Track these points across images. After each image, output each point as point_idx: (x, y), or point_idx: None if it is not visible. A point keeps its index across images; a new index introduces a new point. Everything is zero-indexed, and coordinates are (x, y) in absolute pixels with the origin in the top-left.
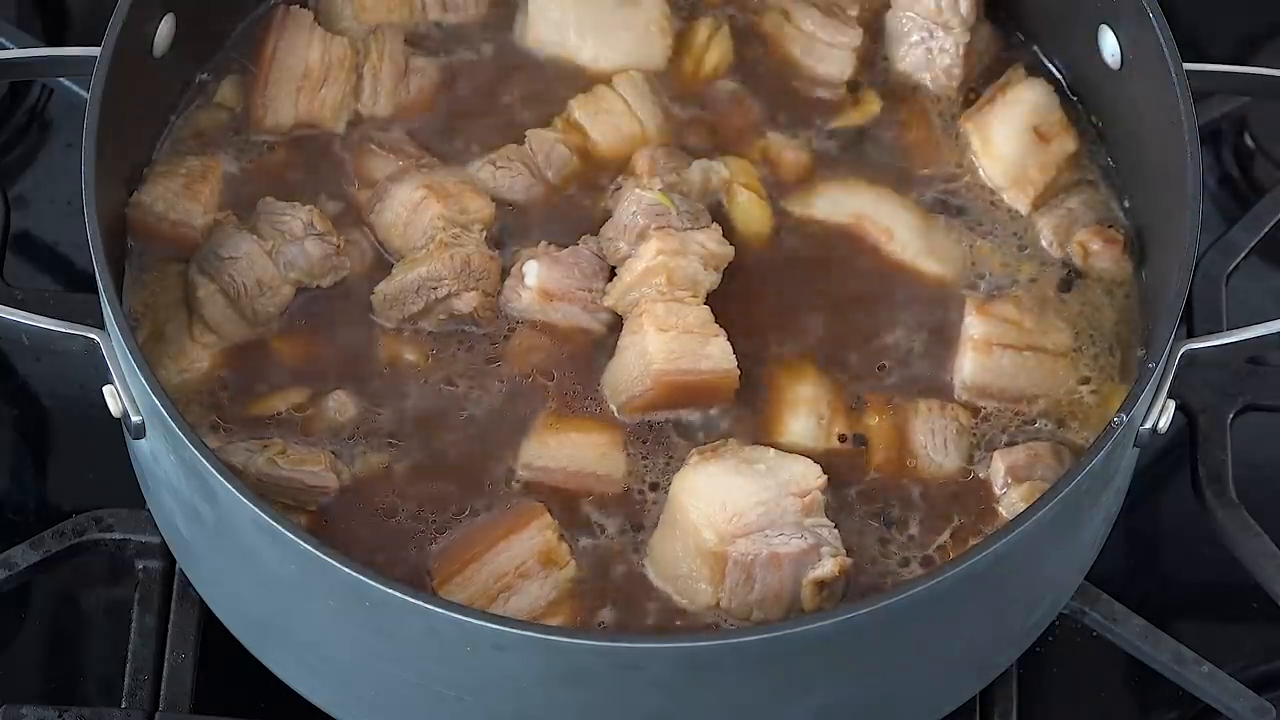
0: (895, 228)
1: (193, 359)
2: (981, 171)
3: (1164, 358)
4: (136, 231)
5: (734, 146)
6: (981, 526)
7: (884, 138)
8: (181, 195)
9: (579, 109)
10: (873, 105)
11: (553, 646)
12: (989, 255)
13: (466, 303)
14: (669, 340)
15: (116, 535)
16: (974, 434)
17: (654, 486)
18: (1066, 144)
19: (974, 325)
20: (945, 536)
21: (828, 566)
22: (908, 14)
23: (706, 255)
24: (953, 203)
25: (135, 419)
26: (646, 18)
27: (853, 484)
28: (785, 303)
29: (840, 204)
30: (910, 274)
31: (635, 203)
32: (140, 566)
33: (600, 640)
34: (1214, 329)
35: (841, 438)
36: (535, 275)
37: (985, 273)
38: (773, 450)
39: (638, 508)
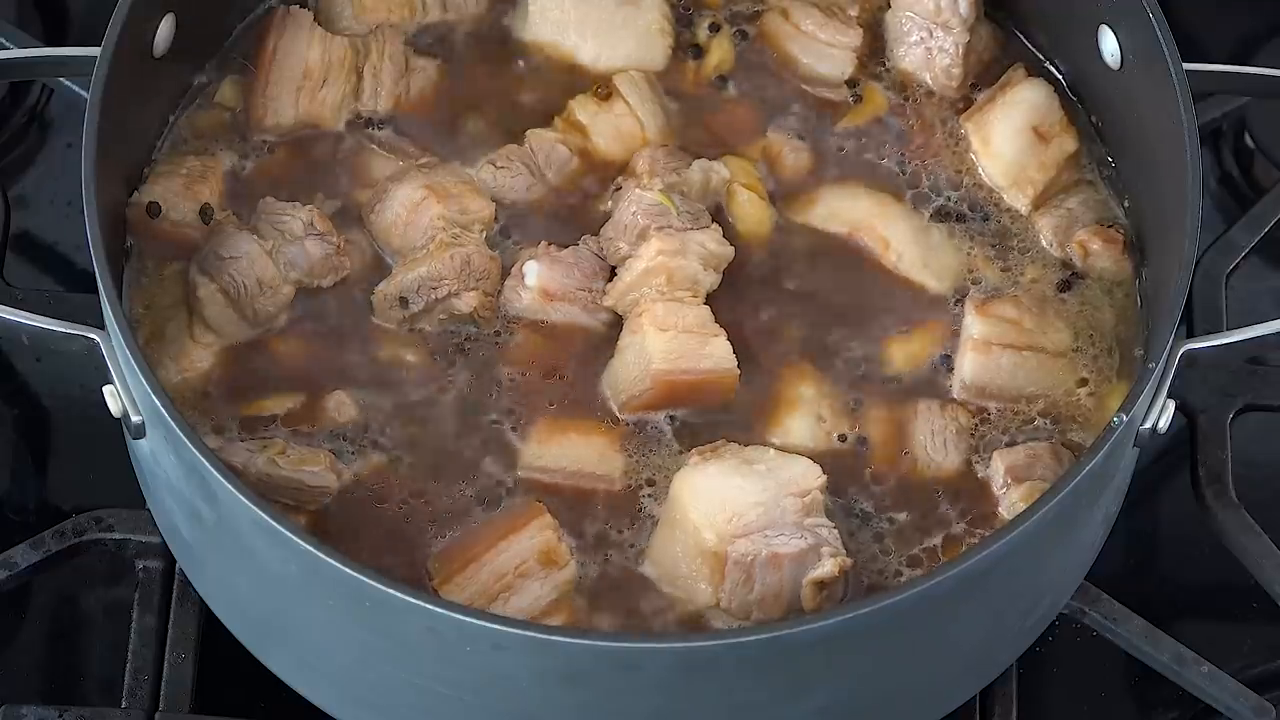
0: (892, 238)
1: (193, 359)
2: (981, 171)
3: (1164, 358)
4: (136, 231)
5: (734, 146)
6: (981, 527)
7: (883, 138)
8: (181, 195)
9: (579, 109)
10: (876, 104)
11: (553, 646)
12: (988, 256)
13: (466, 303)
14: (669, 340)
15: (116, 535)
16: (973, 434)
17: (653, 486)
18: (1066, 144)
19: (974, 325)
20: (944, 537)
21: (828, 567)
22: (907, 14)
23: (707, 255)
24: (952, 203)
25: (135, 419)
26: (647, 18)
27: (852, 484)
28: (785, 302)
29: (838, 212)
30: (908, 279)
31: (635, 203)
32: (140, 566)
33: (600, 640)
34: (1214, 329)
35: (841, 438)
36: (535, 275)
37: (984, 273)
38: (773, 450)
39: (637, 508)
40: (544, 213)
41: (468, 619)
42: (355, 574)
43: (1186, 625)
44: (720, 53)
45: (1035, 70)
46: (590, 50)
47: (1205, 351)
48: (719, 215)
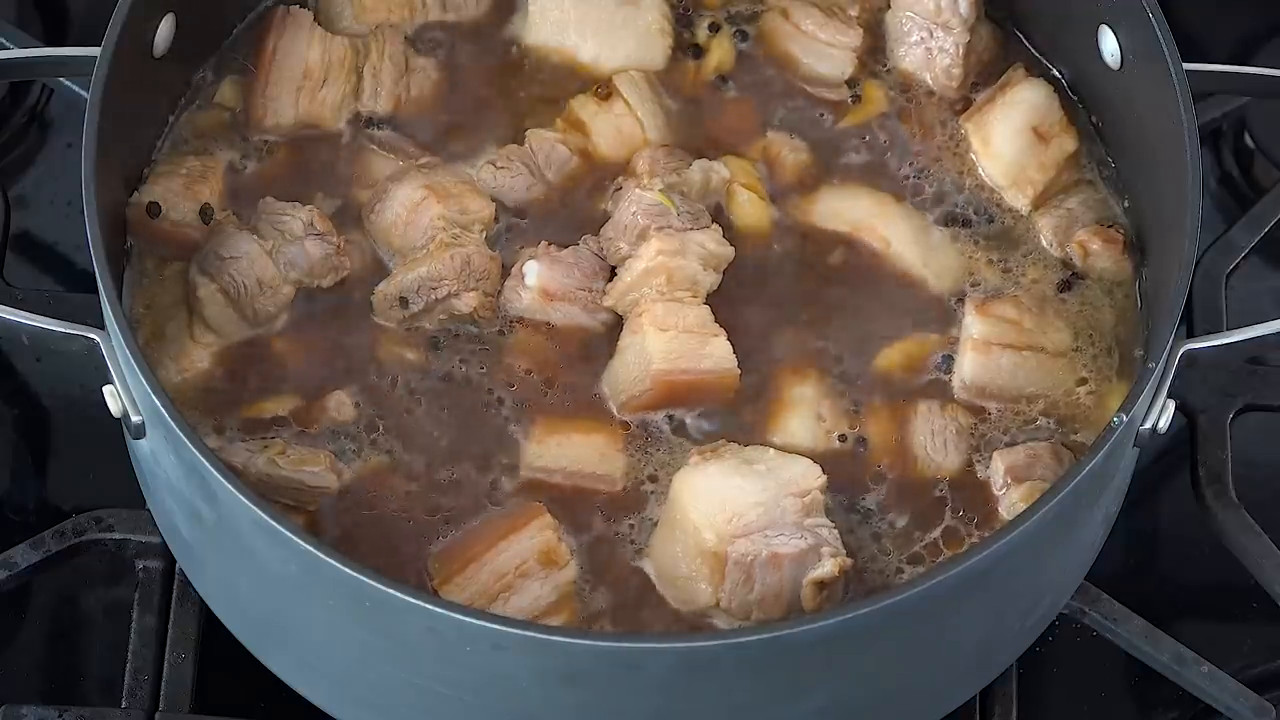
0: (892, 238)
1: (193, 359)
2: (981, 171)
3: (1164, 358)
4: (136, 231)
5: (734, 146)
6: (981, 527)
7: (883, 138)
8: (181, 195)
9: (579, 109)
10: (876, 103)
11: (553, 646)
12: (988, 256)
13: (467, 303)
14: (669, 340)
15: (116, 535)
16: (973, 434)
17: (654, 486)
18: (1066, 144)
19: (974, 325)
20: (944, 536)
21: (828, 567)
22: (908, 14)
23: (706, 256)
24: (952, 203)
25: (135, 419)
26: (647, 18)
27: (852, 484)
28: (785, 303)
29: (839, 211)
30: (908, 279)
31: (635, 203)
32: (140, 566)
33: (600, 640)
34: (1214, 329)
35: (841, 438)
36: (535, 275)
37: (984, 273)
38: (773, 450)
39: (637, 508)
40: (544, 213)
41: (468, 619)
42: (355, 574)
43: (1186, 625)
44: (720, 53)
45: (1035, 70)
46: (590, 50)
47: (1205, 351)
48: (719, 215)
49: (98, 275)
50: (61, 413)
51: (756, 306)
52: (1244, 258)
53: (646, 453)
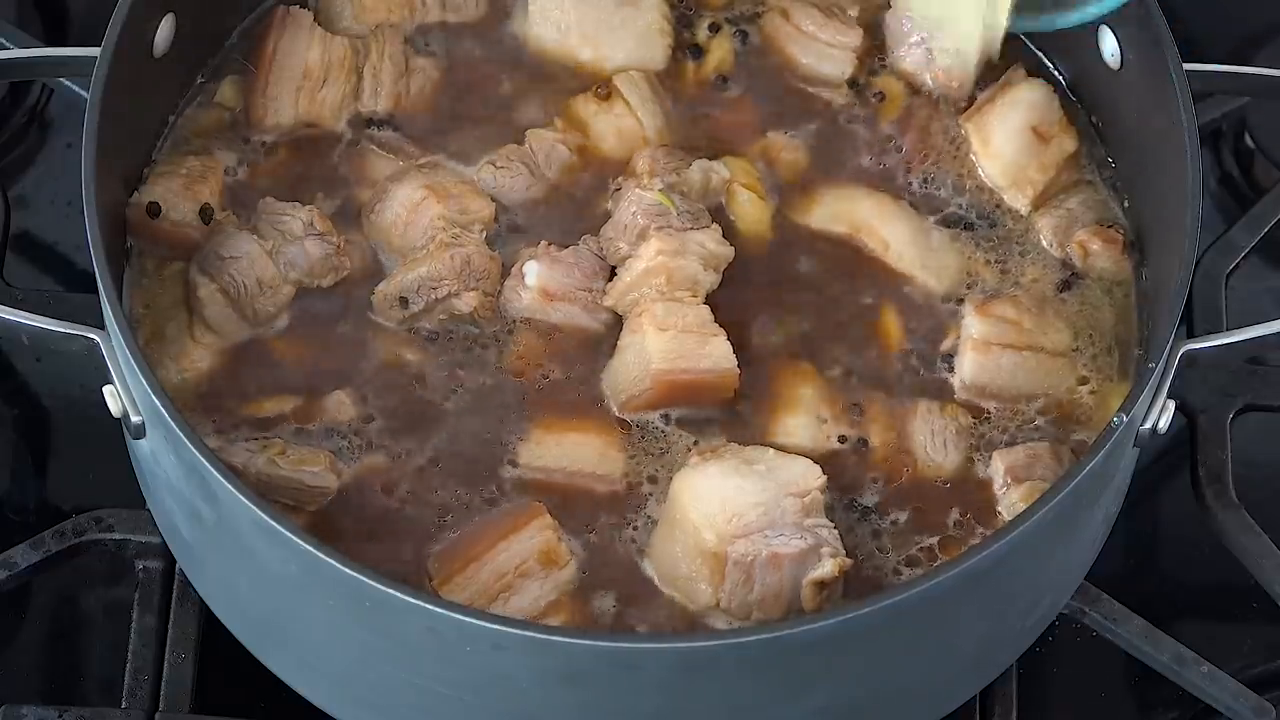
0: (891, 238)
1: (193, 359)
2: (981, 172)
3: (1164, 358)
4: (136, 231)
5: (734, 146)
6: (981, 527)
7: (883, 138)
8: (181, 195)
9: (579, 109)
10: (900, 97)
11: (553, 646)
12: (988, 256)
13: (467, 303)
14: (668, 340)
15: (116, 535)
16: (973, 434)
17: (653, 487)
18: (1066, 144)
19: (974, 325)
20: (943, 537)
21: (828, 567)
22: (908, 14)
23: (706, 255)
24: (952, 203)
25: (135, 419)
26: (647, 18)
27: (852, 484)
28: (785, 303)
29: (838, 213)
30: (908, 280)
31: (635, 203)
32: (140, 566)
33: (600, 640)
34: (1214, 329)
35: (841, 438)
36: (535, 275)
37: (984, 274)
38: (773, 451)
39: (637, 508)
40: (544, 213)
41: (468, 619)
42: (355, 574)
43: (1186, 625)
44: (720, 53)
45: (1035, 70)
46: (590, 50)
47: (1205, 351)
48: (719, 215)
49: (98, 275)
50: (61, 413)
51: (756, 306)
52: (1244, 258)
53: (646, 453)
